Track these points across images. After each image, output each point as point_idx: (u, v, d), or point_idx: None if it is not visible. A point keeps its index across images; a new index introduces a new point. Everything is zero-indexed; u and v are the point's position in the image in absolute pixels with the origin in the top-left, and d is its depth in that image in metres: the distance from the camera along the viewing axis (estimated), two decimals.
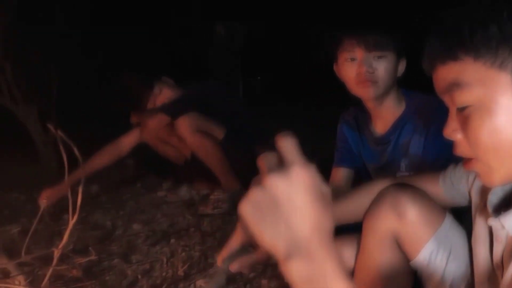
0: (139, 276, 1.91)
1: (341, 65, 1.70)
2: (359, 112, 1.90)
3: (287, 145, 0.62)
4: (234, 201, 2.74)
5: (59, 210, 2.71)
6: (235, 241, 1.00)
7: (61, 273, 1.73)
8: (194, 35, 6.52)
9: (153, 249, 2.19)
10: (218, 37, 6.58)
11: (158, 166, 3.44)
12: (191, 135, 2.72)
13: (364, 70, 1.62)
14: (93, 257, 1.63)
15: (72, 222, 1.48)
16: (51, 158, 3.81)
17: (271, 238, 0.59)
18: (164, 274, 1.94)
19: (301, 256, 0.58)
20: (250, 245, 1.04)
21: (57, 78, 3.80)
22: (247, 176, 2.63)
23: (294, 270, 0.59)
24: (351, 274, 1.34)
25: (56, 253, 1.55)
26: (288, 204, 0.59)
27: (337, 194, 1.83)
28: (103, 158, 2.84)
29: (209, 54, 6.50)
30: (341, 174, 1.93)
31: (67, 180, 2.67)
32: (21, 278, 1.54)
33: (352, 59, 1.65)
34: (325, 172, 2.03)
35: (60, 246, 1.51)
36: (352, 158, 1.94)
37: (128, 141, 2.93)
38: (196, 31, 6.53)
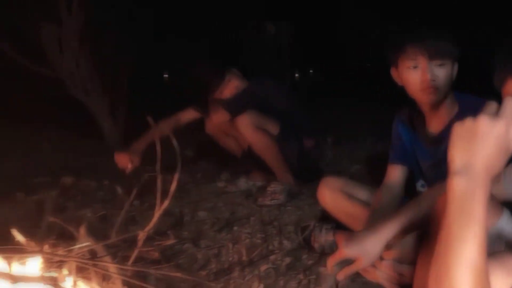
0: (209, 260, 2.03)
1: (402, 71, 1.72)
2: (413, 112, 1.92)
3: (510, 104, 0.78)
4: (289, 193, 2.83)
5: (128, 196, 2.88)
6: (341, 253, 1.19)
7: (141, 255, 1.85)
8: (248, 32, 6.60)
9: (219, 235, 2.32)
10: (268, 34, 6.63)
11: (216, 158, 3.57)
12: (250, 132, 2.82)
13: (427, 78, 1.65)
14: (172, 241, 1.74)
15: (162, 207, 1.58)
16: (118, 148, 4.00)
17: (457, 153, 0.79)
18: (230, 259, 2.05)
19: (468, 177, 0.77)
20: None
21: (127, 71, 3.97)
22: (298, 169, 2.75)
23: (456, 183, 0.78)
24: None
25: (141, 236, 1.67)
26: (483, 138, 0.77)
27: (392, 191, 1.90)
28: (163, 127, 2.95)
29: (260, 50, 6.56)
30: (396, 171, 1.96)
31: (137, 146, 2.90)
32: (108, 258, 1.67)
33: (415, 67, 1.68)
34: (380, 165, 2.09)
35: (146, 229, 1.63)
36: (406, 156, 1.97)
37: (184, 116, 3.09)
38: (249, 29, 6.60)
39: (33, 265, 1.42)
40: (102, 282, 1.57)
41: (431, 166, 1.89)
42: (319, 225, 2.11)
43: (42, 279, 1.28)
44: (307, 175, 3.13)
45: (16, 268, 1.35)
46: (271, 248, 2.15)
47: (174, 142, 1.64)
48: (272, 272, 1.91)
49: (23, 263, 1.40)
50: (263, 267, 1.95)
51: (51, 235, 2.14)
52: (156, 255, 1.82)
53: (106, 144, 4.12)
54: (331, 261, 1.51)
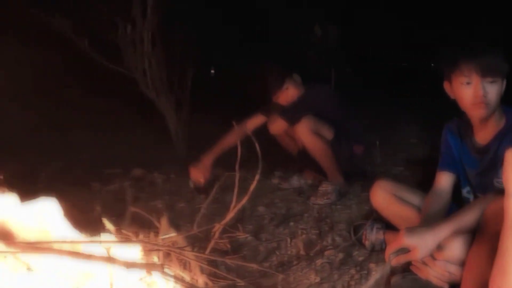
0: (270, 253, 2.19)
1: (455, 86, 1.80)
2: (462, 123, 1.99)
3: None
4: (339, 192, 2.95)
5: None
6: (397, 242, 1.32)
7: (213, 246, 2.02)
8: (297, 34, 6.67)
9: (277, 229, 2.47)
10: (315, 36, 6.68)
11: (270, 156, 3.70)
12: (308, 137, 2.94)
13: (480, 94, 1.72)
14: (244, 234, 1.90)
15: (241, 203, 1.74)
16: (182, 144, 4.22)
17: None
18: (289, 252, 2.20)
19: None
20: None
21: (193, 72, 4.16)
22: (348, 171, 2.85)
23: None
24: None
25: (217, 228, 1.84)
26: None
27: (441, 196, 1.99)
28: (231, 138, 3.12)
29: (308, 52, 6.62)
30: (444, 178, 2.03)
31: (207, 160, 3.04)
32: (188, 248, 1.85)
33: (468, 83, 1.75)
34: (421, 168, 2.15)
35: (223, 222, 1.79)
36: (454, 164, 2.03)
37: (251, 124, 3.17)
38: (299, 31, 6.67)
39: (131, 252, 1.62)
40: (183, 269, 1.76)
41: (477, 174, 1.96)
42: (370, 224, 2.23)
43: (150, 266, 1.46)
44: (355, 177, 3.25)
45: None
46: (325, 244, 2.28)
47: (257, 148, 1.78)
48: (327, 266, 2.05)
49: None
50: (318, 261, 2.09)
51: (134, 224, 2.36)
52: (227, 246, 1.98)
53: (172, 140, 4.33)
54: (390, 249, 1.63)
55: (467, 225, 1.61)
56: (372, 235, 2.18)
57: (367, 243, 2.18)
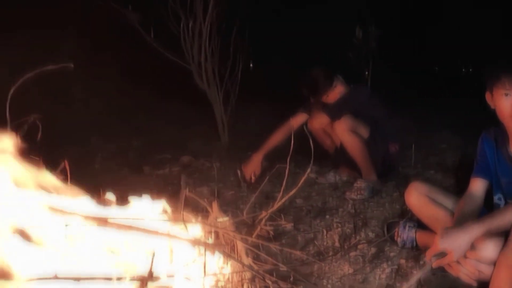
0: (307, 243, 2.25)
1: (496, 97, 1.83)
2: (499, 132, 2.00)
3: None
4: (372, 190, 2.97)
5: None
6: (436, 247, 1.37)
7: (257, 232, 2.09)
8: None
9: (314, 221, 2.53)
10: (356, 39, 6.62)
11: (308, 151, 3.74)
12: (346, 135, 2.98)
13: None
14: (288, 223, 1.97)
15: (290, 194, 1.81)
16: (227, 134, 4.31)
17: None
18: (325, 243, 2.26)
19: None
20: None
21: (241, 67, 4.25)
22: (382, 169, 2.86)
23: None
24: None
25: (263, 215, 1.92)
26: None
27: (474, 201, 2.00)
28: (279, 136, 3.19)
29: (349, 53, 6.58)
30: (478, 184, 2.03)
31: (258, 156, 3.13)
32: (237, 232, 1.93)
33: (507, 94, 1.78)
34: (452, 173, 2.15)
35: (270, 210, 1.87)
36: (488, 171, 2.02)
37: (295, 122, 3.22)
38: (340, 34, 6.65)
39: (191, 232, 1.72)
40: (231, 251, 1.84)
41: (510, 183, 1.96)
42: (403, 223, 2.26)
43: (213, 246, 1.55)
44: (389, 176, 3.26)
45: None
46: (359, 238, 2.32)
47: (311, 144, 1.83)
48: (360, 259, 2.10)
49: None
50: (352, 254, 2.14)
51: (187, 207, 2.46)
52: (270, 233, 2.05)
53: (218, 130, 4.43)
54: (430, 253, 1.67)
55: (499, 227, 1.64)
56: (404, 233, 2.21)
57: (399, 240, 2.22)
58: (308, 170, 1.83)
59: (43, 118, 1.54)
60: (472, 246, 1.65)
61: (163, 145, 4.14)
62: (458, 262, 1.73)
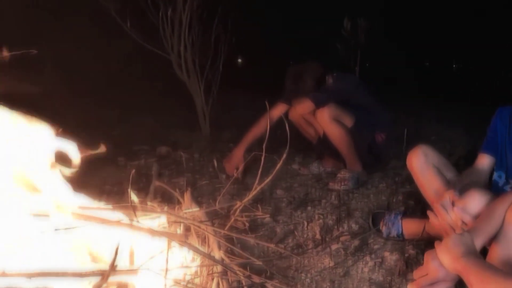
0: (286, 235, 2.15)
1: None
2: None
3: None
4: (357, 180, 2.88)
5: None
6: (425, 280, 1.25)
7: (231, 224, 1.99)
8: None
9: (295, 213, 2.43)
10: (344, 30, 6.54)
11: (291, 142, 3.65)
12: (328, 123, 2.88)
13: None
14: (262, 214, 1.87)
15: (265, 183, 1.70)
16: (207, 125, 4.21)
17: None
18: (305, 235, 2.16)
19: None
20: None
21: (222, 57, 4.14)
22: (367, 160, 2.76)
23: None
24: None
25: (238, 206, 1.81)
26: None
27: (478, 174, 1.93)
28: (259, 128, 3.07)
29: (337, 45, 6.51)
30: (485, 160, 1.97)
31: (238, 151, 3.02)
32: (208, 223, 1.82)
33: None
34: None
35: (244, 200, 1.76)
36: (496, 148, 1.97)
37: (275, 113, 3.09)
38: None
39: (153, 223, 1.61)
40: (202, 243, 1.73)
41: None
42: (389, 212, 2.17)
43: (173, 236, 1.44)
44: (375, 167, 3.17)
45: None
46: (341, 230, 2.23)
47: (287, 130, 1.73)
48: (341, 252, 2.00)
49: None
50: (334, 246, 2.04)
51: (157, 197, 2.36)
52: (245, 225, 1.94)
53: (198, 121, 4.33)
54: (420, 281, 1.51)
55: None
56: (390, 221, 2.12)
57: (384, 228, 2.12)
58: (284, 156, 1.71)
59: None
60: (462, 195, 1.63)
61: (141, 136, 4.03)
62: (445, 209, 1.66)
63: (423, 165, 1.98)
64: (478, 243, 1.44)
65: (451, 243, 1.38)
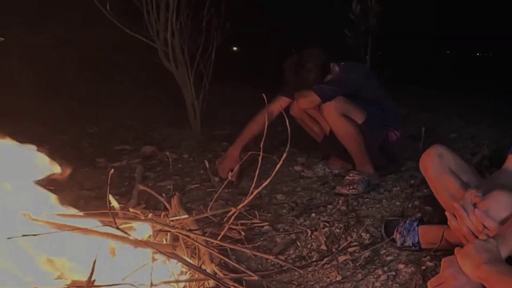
0: (287, 245, 2.15)
1: None
2: None
3: None
4: (367, 184, 2.88)
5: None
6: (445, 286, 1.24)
7: (225, 233, 1.98)
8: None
9: (297, 220, 2.43)
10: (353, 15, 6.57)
11: (293, 141, 3.65)
12: (335, 119, 2.88)
13: None
14: (260, 222, 1.86)
15: (262, 186, 1.69)
16: (198, 121, 4.21)
17: None
18: (309, 246, 2.16)
19: None
20: None
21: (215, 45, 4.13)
22: (380, 160, 2.75)
23: None
24: None
25: (231, 213, 1.81)
26: None
27: (508, 176, 1.90)
28: (257, 125, 3.07)
29: (344, 31, 6.54)
30: None
31: (234, 150, 3.02)
32: (198, 232, 1.82)
33: None
34: None
35: (239, 206, 1.75)
36: None
37: (276, 107, 3.06)
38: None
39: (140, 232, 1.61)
40: (191, 255, 1.73)
41: None
42: (403, 218, 2.18)
43: (159, 246, 1.44)
44: (388, 168, 3.17)
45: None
46: (350, 239, 2.22)
47: (288, 126, 1.72)
48: (350, 264, 1.99)
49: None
50: (341, 258, 2.03)
51: (141, 203, 2.36)
52: (241, 234, 1.94)
53: (188, 117, 4.33)
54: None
55: None
56: (405, 230, 2.12)
57: (398, 236, 2.12)
58: (284, 155, 1.70)
59: None
60: (485, 196, 1.58)
61: (123, 134, 4.03)
62: (465, 211, 1.63)
63: (437, 168, 1.97)
64: (504, 251, 1.42)
65: (473, 249, 1.37)
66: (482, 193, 1.68)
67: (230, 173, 2.95)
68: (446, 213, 1.72)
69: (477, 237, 1.57)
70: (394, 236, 2.14)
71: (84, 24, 4.93)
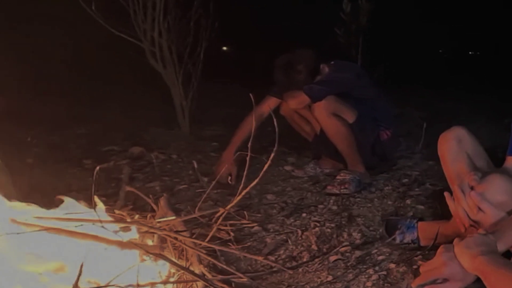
0: (277, 245, 2.14)
1: None
2: None
3: None
4: (359, 183, 2.89)
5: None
6: (430, 274, 1.23)
7: (213, 234, 1.97)
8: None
9: (287, 221, 2.43)
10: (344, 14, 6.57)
11: (283, 141, 3.65)
12: (326, 119, 2.88)
13: None
14: (249, 223, 1.86)
15: (251, 185, 1.68)
16: (187, 122, 4.20)
17: None
18: (299, 246, 2.16)
19: None
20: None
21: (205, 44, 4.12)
22: (371, 160, 2.75)
23: None
24: None
25: (220, 213, 1.79)
26: None
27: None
28: (248, 127, 3.04)
29: (335, 30, 6.54)
30: None
31: (228, 154, 3.01)
32: (186, 234, 1.81)
33: None
34: None
35: (228, 207, 1.74)
36: None
37: (264, 109, 3.04)
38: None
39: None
40: (179, 257, 1.72)
41: None
42: (404, 217, 2.23)
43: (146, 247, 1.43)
44: (380, 167, 3.18)
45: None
46: (341, 239, 2.22)
47: (275, 125, 1.72)
48: (341, 264, 1.99)
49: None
50: (332, 258, 2.03)
51: (128, 205, 2.34)
52: (230, 234, 1.93)
53: (177, 117, 4.32)
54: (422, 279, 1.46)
55: None
56: (404, 227, 2.15)
57: (397, 232, 2.14)
58: (272, 155, 1.69)
59: None
60: (482, 179, 1.57)
61: (111, 135, 4.01)
62: (462, 193, 1.61)
63: (454, 153, 1.92)
64: (501, 247, 1.41)
65: (472, 241, 1.36)
66: (481, 177, 1.66)
67: (229, 177, 2.95)
68: (445, 193, 1.69)
69: (472, 221, 1.58)
70: (394, 232, 2.15)
71: (70, 24, 4.90)
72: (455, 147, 1.92)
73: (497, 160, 1.95)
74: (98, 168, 1.43)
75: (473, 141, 1.96)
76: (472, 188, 1.60)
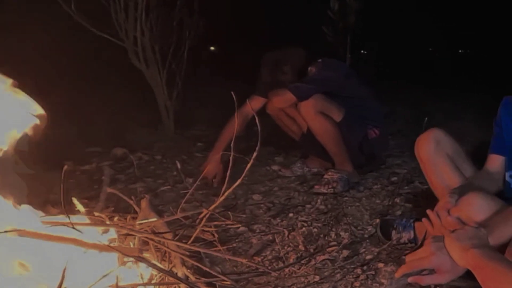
0: (264, 246, 2.13)
1: None
2: None
3: None
4: (347, 182, 2.88)
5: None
6: (416, 264, 1.21)
7: (197, 235, 1.95)
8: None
9: (274, 221, 2.41)
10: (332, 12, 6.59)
11: (270, 140, 3.64)
12: (313, 117, 2.88)
13: None
14: (233, 223, 1.84)
15: (234, 186, 1.66)
16: (171, 122, 4.18)
17: None
18: (286, 247, 2.14)
19: None
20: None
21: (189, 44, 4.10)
22: (359, 158, 2.75)
23: None
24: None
25: (203, 215, 1.77)
26: None
27: (492, 177, 1.92)
28: (233, 128, 3.01)
29: (322, 28, 6.55)
30: (494, 161, 1.95)
31: (215, 155, 2.99)
32: (169, 235, 1.79)
33: None
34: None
35: (211, 207, 1.71)
36: (503, 146, 1.94)
37: (250, 109, 3.02)
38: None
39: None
40: (161, 260, 1.70)
41: None
42: (400, 216, 2.25)
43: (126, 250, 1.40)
44: (368, 166, 3.18)
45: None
46: (328, 239, 2.22)
47: (258, 124, 1.70)
48: (328, 264, 1.98)
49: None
50: (319, 258, 2.02)
51: (109, 206, 2.31)
52: (215, 236, 1.91)
53: (161, 118, 4.30)
54: (408, 267, 1.43)
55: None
56: (400, 226, 2.15)
57: (393, 232, 2.14)
58: (254, 154, 1.67)
59: None
60: (457, 202, 1.57)
61: (93, 135, 3.96)
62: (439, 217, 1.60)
63: (433, 154, 1.94)
64: (492, 241, 1.38)
65: (463, 233, 1.34)
66: (458, 197, 1.66)
67: (215, 180, 2.93)
68: (424, 219, 1.68)
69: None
70: (390, 232, 2.15)
71: (51, 25, 4.85)
72: (433, 148, 1.94)
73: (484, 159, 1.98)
74: (66, 166, 1.39)
75: (452, 142, 1.98)
76: (449, 211, 1.60)
